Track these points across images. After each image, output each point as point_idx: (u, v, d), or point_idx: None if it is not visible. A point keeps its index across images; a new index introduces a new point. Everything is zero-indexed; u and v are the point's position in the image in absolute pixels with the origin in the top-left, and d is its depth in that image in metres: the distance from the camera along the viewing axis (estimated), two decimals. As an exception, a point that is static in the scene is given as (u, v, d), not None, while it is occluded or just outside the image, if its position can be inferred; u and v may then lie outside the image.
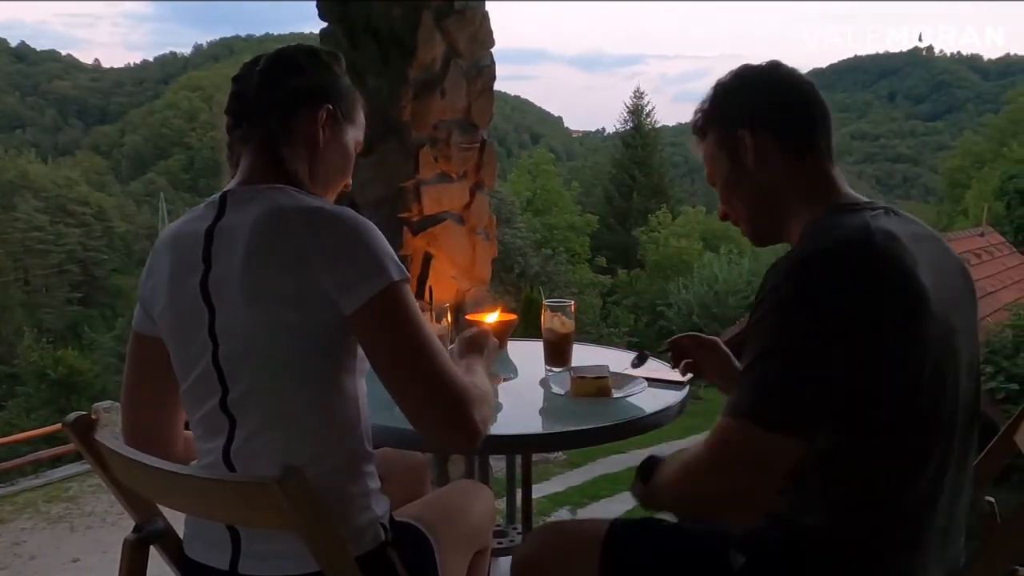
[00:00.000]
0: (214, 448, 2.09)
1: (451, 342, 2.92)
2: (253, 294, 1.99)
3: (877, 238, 1.92)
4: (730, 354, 2.92)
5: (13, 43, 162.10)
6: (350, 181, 2.45)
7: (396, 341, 2.00)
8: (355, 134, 2.40)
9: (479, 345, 2.68)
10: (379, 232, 2.08)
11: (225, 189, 2.19)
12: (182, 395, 2.18)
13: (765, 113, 2.21)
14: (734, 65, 2.33)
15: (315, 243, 1.99)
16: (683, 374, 3.02)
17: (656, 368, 3.26)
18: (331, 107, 2.28)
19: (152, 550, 2.23)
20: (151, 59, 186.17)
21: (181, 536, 2.23)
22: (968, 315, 2.09)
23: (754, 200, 2.27)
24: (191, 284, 2.07)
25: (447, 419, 2.00)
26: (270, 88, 2.25)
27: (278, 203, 2.06)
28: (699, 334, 3.05)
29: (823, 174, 2.19)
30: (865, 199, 2.15)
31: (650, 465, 2.23)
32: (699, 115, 2.34)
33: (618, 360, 3.28)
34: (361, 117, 2.43)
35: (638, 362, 3.10)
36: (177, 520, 2.21)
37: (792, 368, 1.88)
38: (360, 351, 2.10)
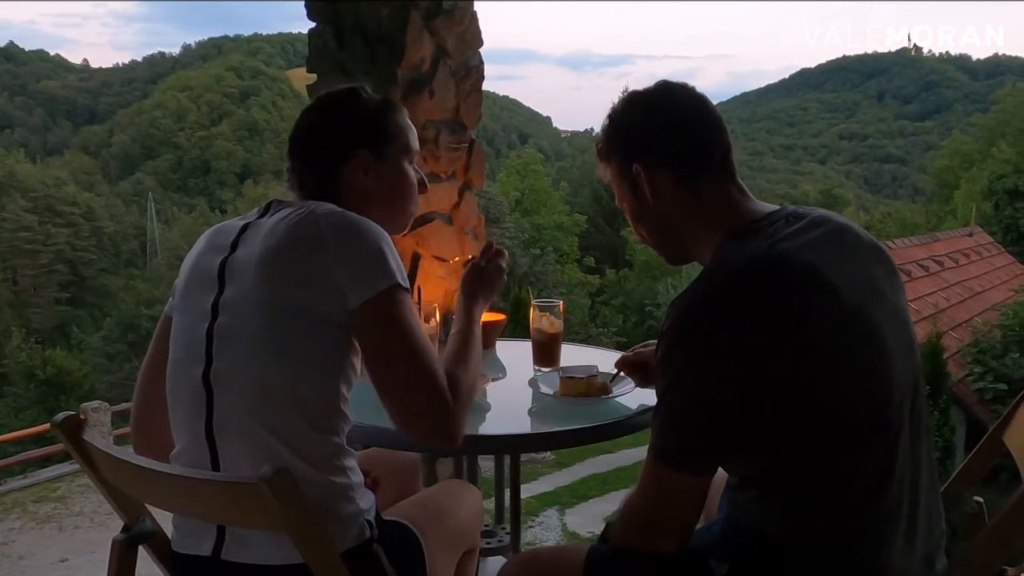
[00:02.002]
0: (195, 426, 2.09)
1: (440, 341, 2.91)
2: (266, 271, 2.06)
3: (766, 261, 1.95)
4: None
5: (1, 43, 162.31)
6: (418, 200, 2.59)
7: (389, 340, 2.06)
8: (403, 155, 2.51)
9: (489, 282, 2.72)
10: (393, 244, 2.16)
11: (272, 199, 2.30)
12: (168, 371, 2.18)
13: (655, 146, 2.20)
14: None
15: (334, 237, 2.07)
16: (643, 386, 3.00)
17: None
18: (366, 152, 2.41)
19: (141, 550, 2.23)
20: (140, 59, 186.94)
21: (170, 536, 2.23)
22: (892, 300, 2.08)
23: (659, 229, 2.28)
24: (212, 263, 2.16)
25: (427, 425, 2.07)
26: (312, 134, 2.45)
27: (311, 207, 2.15)
28: (642, 350, 3.03)
29: (721, 197, 2.17)
30: (767, 210, 2.15)
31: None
32: (600, 144, 2.35)
33: (607, 360, 3.28)
34: (404, 136, 2.52)
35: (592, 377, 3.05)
36: (165, 520, 2.21)
37: (686, 410, 1.95)
38: (347, 353, 2.13)
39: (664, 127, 2.20)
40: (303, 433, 2.05)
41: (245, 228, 2.19)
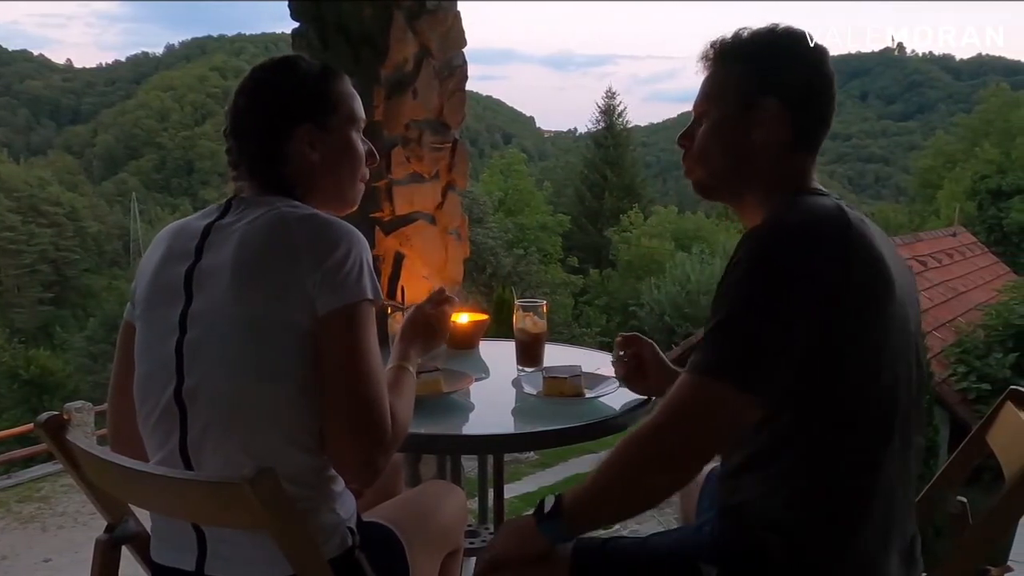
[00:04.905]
0: (169, 444, 2.06)
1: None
2: (240, 283, 2.01)
3: (852, 219, 1.94)
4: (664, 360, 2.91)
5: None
6: (366, 172, 2.45)
7: (346, 356, 2.02)
8: (349, 125, 2.37)
9: (431, 331, 2.69)
10: (368, 250, 2.11)
11: (231, 196, 2.23)
12: (136, 385, 2.14)
13: (803, 101, 2.12)
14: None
15: (308, 242, 2.02)
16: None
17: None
18: (310, 125, 2.27)
19: (124, 550, 2.23)
20: (123, 59, 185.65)
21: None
22: (915, 309, 2.11)
23: (729, 155, 2.20)
24: (177, 271, 2.10)
25: (361, 446, 2.03)
26: (251, 113, 2.28)
27: (279, 209, 2.10)
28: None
29: (803, 169, 2.15)
30: (834, 194, 2.12)
31: (549, 503, 2.15)
32: (728, 46, 2.20)
33: (590, 360, 3.28)
34: (347, 104, 2.37)
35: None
36: (149, 521, 2.20)
37: (760, 329, 1.90)
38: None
39: (816, 92, 2.15)
40: (281, 450, 2.03)
41: (208, 231, 2.13)
